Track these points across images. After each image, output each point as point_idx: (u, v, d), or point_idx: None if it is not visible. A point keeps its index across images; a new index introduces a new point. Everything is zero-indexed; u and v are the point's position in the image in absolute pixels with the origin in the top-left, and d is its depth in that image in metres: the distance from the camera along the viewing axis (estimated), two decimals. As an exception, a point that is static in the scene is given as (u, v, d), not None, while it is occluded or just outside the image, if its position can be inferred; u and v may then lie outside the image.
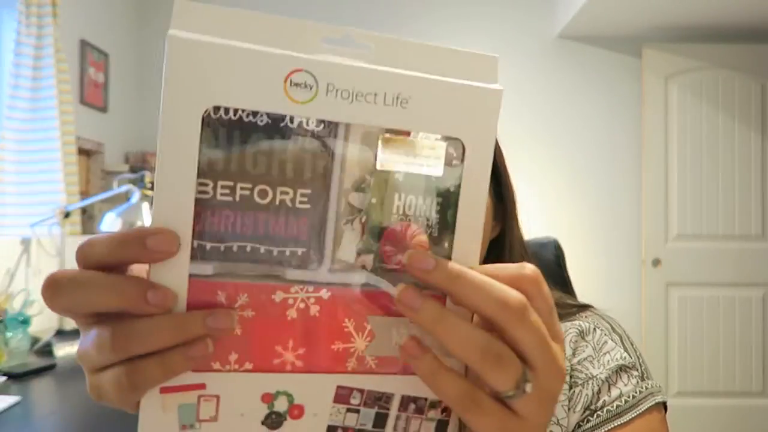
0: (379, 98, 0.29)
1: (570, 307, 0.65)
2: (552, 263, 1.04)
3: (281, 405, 0.31)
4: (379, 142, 0.30)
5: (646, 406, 0.56)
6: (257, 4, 3.07)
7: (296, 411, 0.32)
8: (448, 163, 0.31)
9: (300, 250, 0.30)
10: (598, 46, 3.09)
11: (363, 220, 0.31)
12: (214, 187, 0.29)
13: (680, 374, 2.92)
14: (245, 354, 0.30)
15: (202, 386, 0.30)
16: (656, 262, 2.95)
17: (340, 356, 0.32)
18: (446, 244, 0.32)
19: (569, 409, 0.58)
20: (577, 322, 0.62)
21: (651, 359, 2.85)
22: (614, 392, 0.57)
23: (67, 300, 0.29)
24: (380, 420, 0.33)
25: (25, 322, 1.68)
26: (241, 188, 0.29)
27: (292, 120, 0.29)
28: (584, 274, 2.83)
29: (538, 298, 0.30)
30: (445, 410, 0.33)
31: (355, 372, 0.32)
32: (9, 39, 2.12)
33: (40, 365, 1.51)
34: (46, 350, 1.68)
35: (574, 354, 0.60)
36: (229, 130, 0.28)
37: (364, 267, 0.31)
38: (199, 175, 0.28)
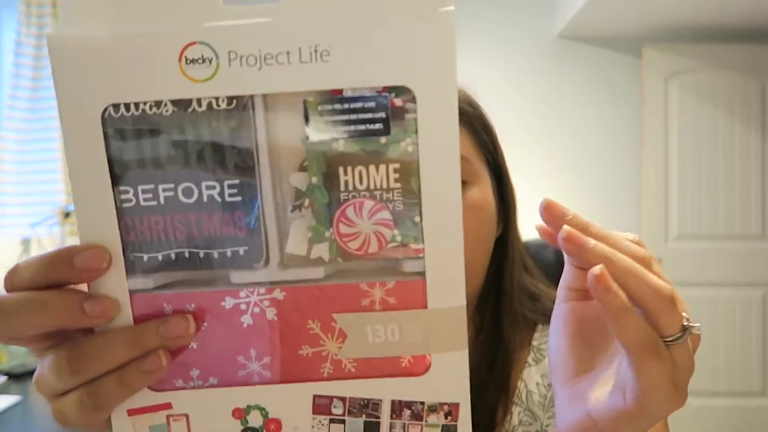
0: (293, 56, 0.25)
1: None
2: (552, 263, 1.04)
3: (255, 420, 0.29)
4: (306, 107, 0.25)
5: None
6: None
7: (273, 425, 0.29)
8: (397, 119, 0.26)
9: (241, 249, 0.27)
10: (598, 46, 3.08)
11: (307, 204, 0.27)
12: (135, 193, 0.26)
13: (680, 374, 2.92)
14: (207, 368, 0.28)
15: (168, 406, 0.28)
16: (656, 262, 2.94)
17: (312, 362, 0.28)
18: (415, 218, 0.27)
19: None
20: None
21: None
22: None
23: (5, 327, 0.27)
24: (371, 430, 0.29)
25: (25, 322, 1.68)
26: (164, 189, 0.26)
27: (199, 102, 0.25)
28: (584, 274, 2.83)
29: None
30: (450, 414, 0.29)
31: (331, 378, 0.28)
32: (9, 39, 2.12)
33: (40, 365, 1.51)
34: (46, 350, 1.68)
35: None
36: (135, 129, 0.25)
37: (321, 259, 0.27)
38: (117, 183, 0.26)
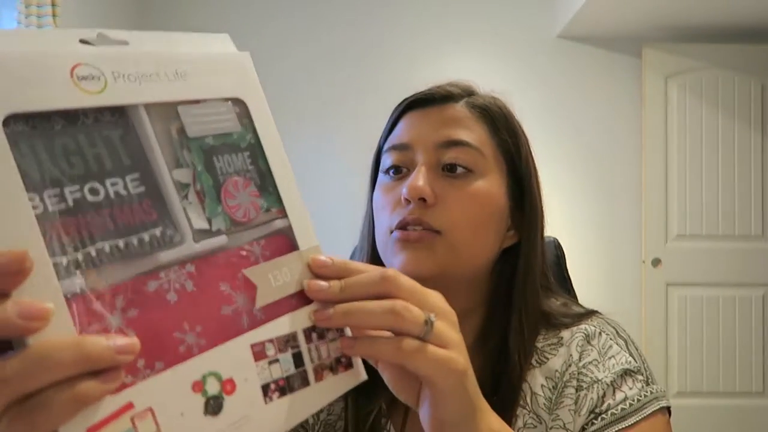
0: (162, 75, 0.32)
1: (576, 314, 0.65)
2: (552, 263, 1.04)
3: (213, 387, 0.31)
4: (180, 114, 0.33)
5: (651, 410, 0.56)
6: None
7: (229, 386, 0.31)
8: (241, 120, 0.36)
9: (158, 230, 0.31)
10: (598, 46, 3.08)
11: (198, 188, 0.33)
12: (42, 199, 0.27)
13: (680, 374, 2.92)
14: (150, 354, 0.28)
15: (130, 406, 0.27)
16: (656, 262, 2.95)
17: (235, 319, 0.33)
18: (270, 188, 0.36)
19: (575, 412, 0.57)
20: (583, 326, 0.62)
21: (651, 359, 2.85)
22: (619, 396, 0.56)
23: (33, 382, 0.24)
24: (298, 359, 0.35)
25: (25, 322, 1.68)
26: (70, 192, 0.28)
27: (87, 115, 0.29)
28: (584, 274, 2.83)
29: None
30: (340, 329, 0.37)
31: (252, 327, 0.33)
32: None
33: (40, 365, 1.51)
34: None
35: (580, 358, 0.60)
36: (30, 140, 0.27)
37: (219, 230, 0.33)
38: (27, 190, 0.26)
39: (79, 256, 0.28)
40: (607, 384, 0.57)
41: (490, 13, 3.10)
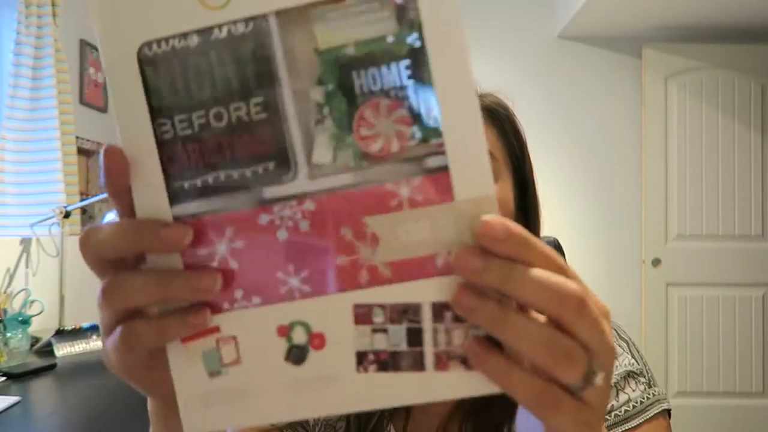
0: None
1: None
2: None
3: (299, 337, 0.29)
4: (314, 18, 0.27)
5: (653, 413, 0.56)
6: None
7: (317, 341, 0.29)
8: (401, 15, 0.27)
9: (271, 164, 0.28)
10: (598, 46, 3.08)
11: (326, 112, 0.27)
12: (173, 125, 0.28)
13: (680, 374, 2.92)
14: (250, 288, 0.29)
15: (217, 329, 0.29)
16: (656, 262, 2.95)
17: (349, 270, 0.28)
18: (433, 112, 0.27)
19: None
20: None
21: (651, 359, 2.85)
22: (622, 397, 0.57)
23: (116, 304, 0.29)
24: (415, 337, 0.28)
25: (25, 322, 1.68)
26: (197, 117, 0.28)
27: (220, 29, 0.27)
28: (584, 274, 2.81)
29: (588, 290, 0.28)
30: None
31: (369, 285, 0.28)
32: (9, 39, 2.12)
33: (40, 365, 1.51)
34: (46, 350, 1.68)
35: None
36: (167, 62, 0.28)
37: (345, 166, 0.28)
38: (156, 116, 0.28)
39: (198, 183, 0.28)
40: (611, 386, 0.57)
41: (490, 13, 3.10)
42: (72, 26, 2.48)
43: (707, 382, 2.91)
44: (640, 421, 0.55)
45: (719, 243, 2.94)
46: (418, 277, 0.28)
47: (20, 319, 1.67)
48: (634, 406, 0.56)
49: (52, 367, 1.52)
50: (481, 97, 0.63)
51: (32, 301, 1.80)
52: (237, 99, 0.28)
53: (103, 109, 2.80)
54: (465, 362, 0.28)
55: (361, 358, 0.29)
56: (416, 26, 0.26)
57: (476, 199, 0.27)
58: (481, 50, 3.07)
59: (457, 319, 0.28)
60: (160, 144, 0.28)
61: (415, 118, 0.27)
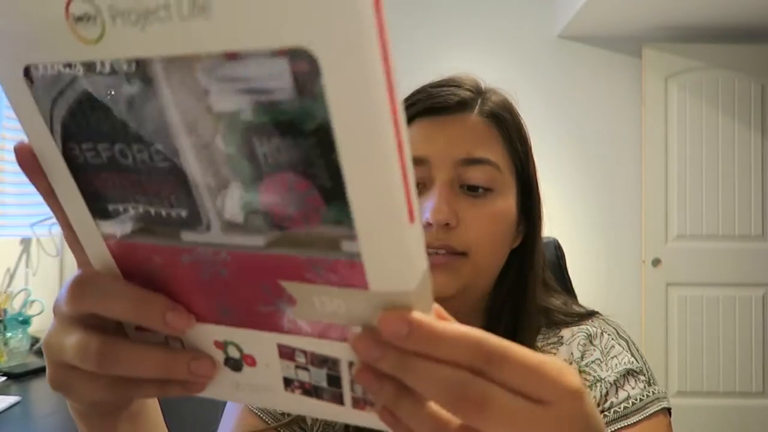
0: (173, 11, 0.21)
1: (577, 314, 0.65)
2: (552, 263, 1.04)
3: (233, 352, 0.30)
4: (199, 73, 0.22)
5: (653, 410, 0.56)
6: None
7: (249, 360, 0.30)
8: (302, 86, 0.21)
9: (183, 212, 0.26)
10: (598, 46, 3.08)
11: (232, 175, 0.24)
12: (81, 150, 0.26)
13: (680, 374, 2.92)
14: (188, 305, 0.30)
15: (182, 353, 0.32)
16: (656, 262, 2.95)
17: (272, 316, 0.28)
18: (339, 194, 0.23)
19: None
20: (584, 327, 0.63)
21: (651, 359, 2.84)
22: (622, 395, 0.57)
23: (90, 304, 0.29)
24: (334, 381, 0.29)
25: (25, 322, 1.68)
26: (103, 149, 0.26)
27: (103, 64, 0.23)
28: (584, 274, 2.83)
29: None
30: None
31: (290, 333, 0.28)
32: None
33: (40, 365, 1.51)
34: (46, 350, 1.68)
35: (582, 357, 0.60)
36: (57, 88, 0.25)
37: (258, 229, 0.25)
38: (64, 139, 0.26)
39: (119, 208, 0.27)
40: (611, 383, 0.57)
41: (490, 13, 3.10)
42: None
43: (707, 382, 2.91)
44: (639, 418, 0.55)
45: (719, 243, 2.94)
46: (335, 339, 0.28)
47: (20, 319, 1.67)
48: (633, 404, 0.56)
49: (52, 367, 1.52)
50: (486, 96, 0.62)
51: (32, 301, 1.80)
52: (136, 141, 0.25)
53: (103, 109, 2.80)
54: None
55: (288, 382, 0.30)
56: (320, 101, 0.21)
57: (392, 294, 0.25)
58: (481, 50, 3.07)
59: None
60: (73, 165, 0.27)
61: (327, 198, 0.23)
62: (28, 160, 0.28)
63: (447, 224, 0.55)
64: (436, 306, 0.27)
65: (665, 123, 2.95)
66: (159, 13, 0.21)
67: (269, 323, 0.28)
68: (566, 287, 1.02)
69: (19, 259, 2.03)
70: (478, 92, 0.62)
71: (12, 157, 1.92)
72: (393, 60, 0.21)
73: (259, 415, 0.61)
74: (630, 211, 3.06)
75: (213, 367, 0.31)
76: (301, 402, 0.31)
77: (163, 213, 0.27)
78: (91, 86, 0.24)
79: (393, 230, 0.23)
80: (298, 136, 0.22)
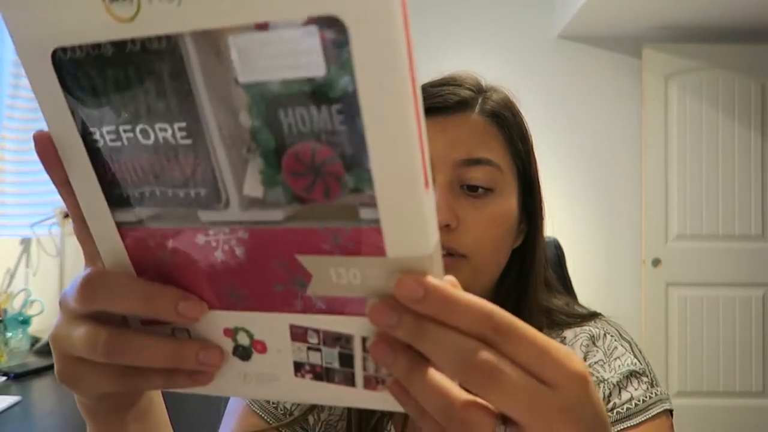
0: None
1: (579, 315, 0.65)
2: (552, 263, 1.04)
3: (243, 339, 0.31)
4: (231, 47, 0.23)
5: (656, 412, 0.56)
6: None
7: (259, 346, 0.31)
8: (330, 54, 0.22)
9: (202, 191, 0.27)
10: (598, 46, 3.08)
11: (255, 147, 0.25)
12: (101, 135, 0.27)
13: (680, 374, 2.92)
14: (195, 293, 0.30)
15: (190, 343, 0.31)
16: (656, 262, 2.95)
17: (286, 296, 0.29)
18: (364, 163, 0.24)
19: None
20: (587, 328, 0.63)
21: (651, 359, 2.83)
22: (624, 396, 0.57)
23: (101, 303, 0.30)
24: (346, 360, 0.29)
25: (25, 322, 1.68)
26: (124, 131, 0.26)
27: (134, 43, 0.24)
28: (584, 274, 2.83)
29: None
30: None
31: (304, 312, 0.29)
32: (9, 39, 2.12)
33: (40, 365, 1.51)
34: (46, 350, 1.68)
35: (585, 358, 0.60)
36: (85, 71, 0.25)
37: (277, 203, 0.26)
38: (83, 123, 0.27)
39: (135, 193, 0.28)
40: (613, 384, 0.57)
41: (489, 13, 3.10)
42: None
43: (707, 382, 2.91)
44: (642, 419, 0.55)
45: (719, 243, 2.94)
46: (349, 314, 0.28)
47: (20, 319, 1.67)
48: (636, 405, 0.56)
49: (52, 367, 1.52)
50: (486, 95, 0.61)
51: (32, 301, 1.80)
52: (160, 119, 0.26)
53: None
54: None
55: (298, 366, 0.30)
56: (348, 69, 0.22)
57: (408, 259, 0.26)
58: (481, 50, 3.07)
59: None
60: (92, 152, 0.27)
61: (348, 166, 0.24)
62: (46, 148, 0.29)
63: (447, 225, 0.55)
64: (449, 277, 0.27)
65: (665, 123, 2.95)
66: None
67: (283, 304, 0.29)
68: (566, 287, 1.02)
69: (19, 259, 2.03)
70: (479, 91, 0.61)
71: (12, 156, 1.92)
72: (411, 31, 0.22)
73: (261, 415, 0.61)
74: (630, 211, 3.06)
75: (221, 356, 0.31)
76: (311, 388, 0.31)
77: (182, 194, 0.27)
78: (118, 66, 0.25)
79: (412, 195, 0.24)
80: (323, 104, 0.23)
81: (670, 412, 0.58)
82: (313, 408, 0.61)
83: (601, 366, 0.59)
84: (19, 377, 1.43)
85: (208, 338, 0.31)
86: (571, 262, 1.09)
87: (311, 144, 0.24)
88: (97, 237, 0.30)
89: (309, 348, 0.30)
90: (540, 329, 0.62)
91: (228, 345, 0.31)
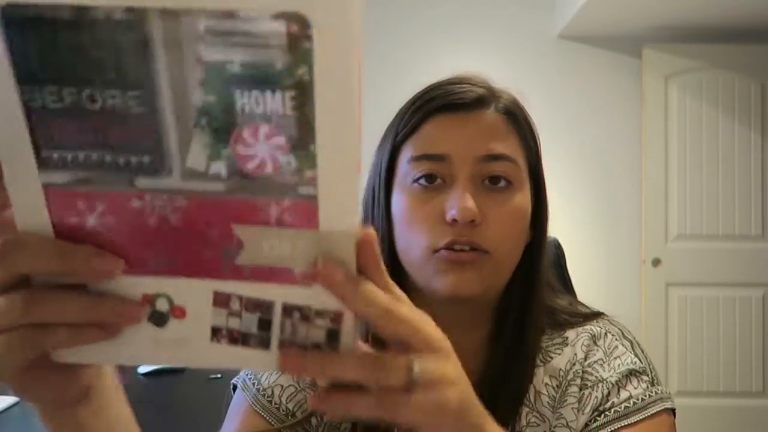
0: None
1: (582, 314, 0.65)
2: (552, 263, 1.04)
3: (162, 305, 0.32)
4: (202, 27, 0.25)
5: (655, 410, 0.56)
6: None
7: (178, 312, 0.32)
8: (293, 46, 0.25)
9: (146, 158, 0.28)
10: (598, 46, 3.08)
11: (204, 122, 0.27)
12: (41, 94, 0.27)
13: (680, 374, 2.92)
14: (124, 258, 0.30)
15: (102, 298, 0.31)
16: (656, 262, 2.95)
17: (213, 263, 0.30)
18: (310, 147, 0.27)
19: (578, 410, 0.58)
20: (588, 327, 0.63)
21: (651, 359, 2.85)
22: (623, 394, 0.57)
23: (18, 263, 0.30)
24: (264, 325, 0.32)
25: (25, 322, 1.68)
26: (68, 93, 0.27)
27: (97, 9, 0.25)
28: (584, 274, 2.83)
29: None
30: (335, 320, 0.32)
31: (229, 278, 0.31)
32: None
33: (40, 365, 1.51)
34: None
35: (585, 357, 0.60)
36: (35, 29, 0.25)
37: (218, 175, 0.28)
38: (23, 82, 0.26)
39: (68, 156, 0.28)
40: (612, 383, 0.57)
41: (490, 13, 3.10)
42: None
43: (707, 382, 2.91)
44: (641, 417, 0.55)
45: (719, 243, 2.94)
46: (274, 282, 0.31)
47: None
48: (634, 403, 0.56)
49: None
50: (498, 94, 0.62)
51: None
52: (112, 86, 0.26)
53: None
54: (305, 350, 0.32)
55: (215, 332, 0.32)
56: (307, 60, 0.25)
57: (338, 233, 0.29)
58: (481, 50, 3.07)
59: (303, 318, 0.32)
60: (28, 110, 0.27)
61: (293, 147, 0.27)
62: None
63: (473, 221, 0.55)
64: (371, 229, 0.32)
65: (665, 123, 2.95)
66: None
67: (210, 270, 0.31)
68: (566, 287, 1.02)
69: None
70: (491, 90, 0.62)
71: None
72: (364, 35, 0.26)
73: (263, 416, 0.61)
74: (630, 211, 3.07)
75: (140, 309, 0.31)
76: (224, 353, 0.32)
77: (121, 160, 0.28)
78: (74, 31, 0.25)
79: (348, 176, 0.28)
80: (278, 89, 0.26)
81: (673, 411, 0.58)
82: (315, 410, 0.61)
83: (600, 365, 0.59)
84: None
85: None
86: (571, 262, 1.09)
87: (261, 125, 0.27)
88: (18, 197, 0.29)
89: (229, 314, 0.32)
90: (543, 330, 0.62)
91: (145, 312, 0.32)
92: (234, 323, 0.32)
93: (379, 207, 0.62)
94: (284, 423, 0.60)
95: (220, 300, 0.31)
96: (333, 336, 0.32)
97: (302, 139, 0.27)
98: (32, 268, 0.30)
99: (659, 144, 2.95)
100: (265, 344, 0.32)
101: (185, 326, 0.32)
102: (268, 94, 0.26)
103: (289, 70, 0.26)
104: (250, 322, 0.32)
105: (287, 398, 0.61)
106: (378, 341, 0.34)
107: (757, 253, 2.93)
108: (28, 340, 0.31)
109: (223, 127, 0.27)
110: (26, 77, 0.26)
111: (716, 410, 2.88)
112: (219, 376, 1.40)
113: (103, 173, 0.28)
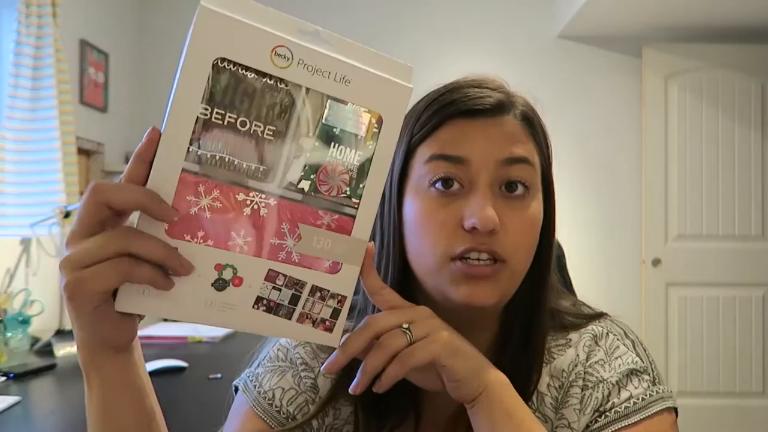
0: (331, 75, 0.43)
1: (585, 315, 0.65)
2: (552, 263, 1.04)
3: (227, 274, 0.43)
4: (327, 104, 0.43)
5: (656, 410, 0.56)
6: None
7: (237, 281, 0.44)
8: (370, 128, 0.45)
9: (261, 168, 0.43)
10: (598, 46, 3.09)
11: (307, 156, 0.44)
12: (211, 112, 0.40)
13: (680, 374, 2.92)
14: (209, 233, 0.42)
15: (176, 249, 0.42)
16: (656, 262, 2.95)
17: (275, 248, 0.44)
18: (360, 186, 0.46)
19: (580, 411, 0.58)
20: (591, 327, 0.62)
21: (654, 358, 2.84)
22: (624, 394, 0.57)
23: (108, 194, 0.40)
24: (294, 300, 0.46)
25: (25, 322, 1.68)
26: (230, 117, 0.41)
27: (270, 77, 0.41)
28: (584, 274, 2.83)
29: None
30: (341, 302, 0.47)
31: (283, 262, 0.45)
32: (9, 39, 2.11)
33: (40, 365, 1.51)
34: (46, 350, 1.68)
35: (587, 358, 0.60)
36: (228, 76, 0.40)
37: (302, 189, 0.44)
38: (205, 101, 0.40)
39: (208, 154, 0.41)
40: (613, 383, 0.57)
41: (490, 13, 3.10)
42: (72, 26, 2.48)
43: (707, 382, 2.92)
44: (642, 417, 0.55)
45: (719, 243, 2.95)
46: (312, 268, 0.46)
47: (20, 319, 1.67)
48: (635, 403, 0.56)
49: (52, 367, 1.52)
50: (517, 102, 0.61)
51: (32, 301, 1.80)
52: (259, 120, 0.42)
53: (103, 109, 2.80)
54: (314, 322, 0.47)
55: (258, 300, 0.45)
56: (375, 137, 0.45)
57: (359, 240, 0.47)
58: (481, 50, 3.07)
59: (322, 298, 0.47)
60: (197, 118, 0.40)
61: (350, 182, 0.45)
62: (149, 148, 0.40)
63: (492, 230, 0.54)
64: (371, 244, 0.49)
65: (665, 123, 2.95)
66: (324, 74, 0.43)
67: (272, 253, 0.44)
68: (567, 287, 1.02)
69: (19, 259, 2.03)
70: (508, 95, 0.61)
71: (12, 156, 1.91)
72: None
73: (264, 419, 0.61)
74: (630, 211, 3.07)
75: (191, 269, 0.42)
76: (257, 318, 0.45)
77: (244, 165, 0.42)
78: (254, 84, 0.41)
79: (373, 207, 0.47)
80: (354, 149, 0.45)
81: (675, 410, 0.58)
82: (316, 413, 0.61)
83: (601, 365, 0.59)
84: (19, 377, 1.43)
85: (201, 267, 0.42)
86: (571, 262, 1.09)
87: (338, 165, 0.45)
88: (159, 173, 0.40)
89: (273, 287, 0.45)
90: (546, 333, 0.62)
91: (212, 276, 0.43)
92: (274, 295, 0.45)
93: (390, 212, 0.60)
94: (285, 426, 0.60)
95: (271, 276, 0.44)
96: (335, 314, 0.48)
97: (357, 180, 0.46)
98: (117, 198, 0.40)
99: (659, 144, 2.96)
100: (289, 315, 0.46)
101: (238, 293, 0.44)
102: (348, 150, 0.45)
103: (364, 140, 0.45)
104: (285, 296, 0.45)
105: (288, 401, 0.61)
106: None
107: (757, 253, 2.93)
108: (119, 269, 0.40)
109: (317, 162, 0.44)
110: (208, 98, 0.40)
111: (716, 410, 2.88)
112: (219, 376, 1.40)
113: (226, 171, 0.42)
